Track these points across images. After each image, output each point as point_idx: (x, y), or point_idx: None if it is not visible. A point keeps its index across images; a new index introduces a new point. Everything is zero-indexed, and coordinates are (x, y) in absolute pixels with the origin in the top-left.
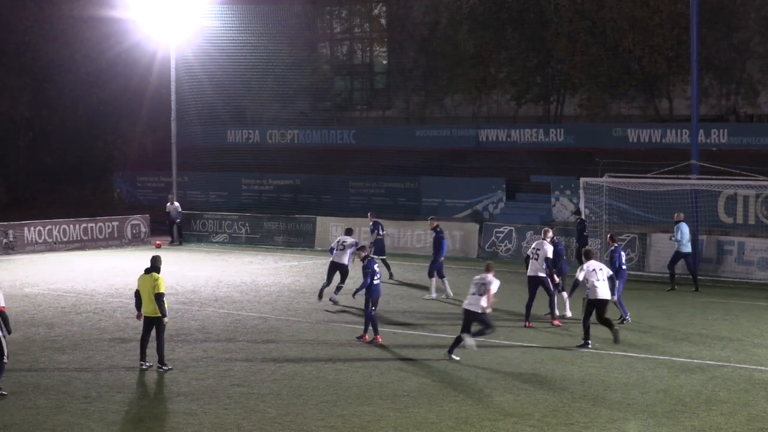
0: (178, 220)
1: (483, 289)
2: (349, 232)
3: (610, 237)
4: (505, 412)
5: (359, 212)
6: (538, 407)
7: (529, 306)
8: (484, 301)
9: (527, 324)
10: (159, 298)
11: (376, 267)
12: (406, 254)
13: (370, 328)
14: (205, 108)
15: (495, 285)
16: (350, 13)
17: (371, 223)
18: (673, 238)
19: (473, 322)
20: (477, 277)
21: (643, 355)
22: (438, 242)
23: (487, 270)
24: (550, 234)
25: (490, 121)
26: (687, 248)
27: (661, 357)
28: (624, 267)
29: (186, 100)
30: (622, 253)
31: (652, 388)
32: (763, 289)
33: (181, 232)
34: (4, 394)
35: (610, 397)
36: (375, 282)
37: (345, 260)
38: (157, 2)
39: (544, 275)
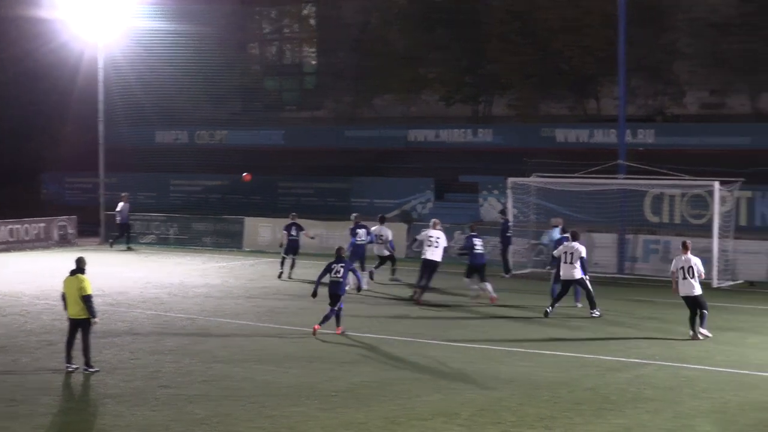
0: (128, 222)
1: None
2: (382, 220)
3: (572, 233)
4: (433, 412)
5: (288, 213)
6: (466, 406)
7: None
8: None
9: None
10: (87, 299)
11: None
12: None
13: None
14: (133, 108)
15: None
16: (280, 13)
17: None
18: (540, 243)
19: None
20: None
21: (571, 354)
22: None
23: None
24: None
25: (420, 122)
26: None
27: (588, 356)
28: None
29: (114, 100)
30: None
31: (579, 387)
32: None
33: (127, 235)
34: None
35: (538, 396)
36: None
37: (438, 257)
38: (85, 2)
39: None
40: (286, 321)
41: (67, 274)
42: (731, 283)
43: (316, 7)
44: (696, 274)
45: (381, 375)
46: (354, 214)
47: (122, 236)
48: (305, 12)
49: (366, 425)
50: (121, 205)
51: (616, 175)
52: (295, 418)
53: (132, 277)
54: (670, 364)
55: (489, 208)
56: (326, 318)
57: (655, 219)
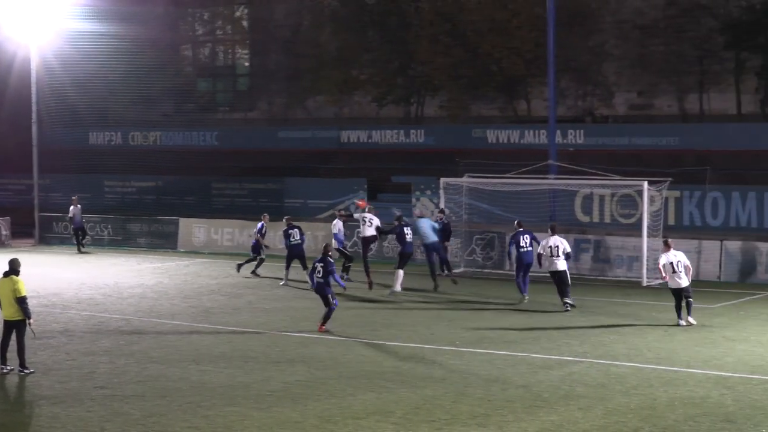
0: (82, 226)
1: None
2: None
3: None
4: (367, 411)
5: (223, 214)
6: (400, 405)
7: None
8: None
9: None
10: (22, 301)
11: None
12: (268, 254)
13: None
14: (67, 110)
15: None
16: (213, 15)
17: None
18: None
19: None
20: None
21: (503, 352)
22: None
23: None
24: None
25: (352, 123)
26: (430, 239)
27: (520, 354)
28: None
29: (48, 101)
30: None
31: (511, 384)
32: (619, 286)
33: (81, 240)
34: None
35: (471, 393)
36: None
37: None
38: (17, 3)
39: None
40: (221, 321)
41: (1, 275)
42: (660, 281)
43: (249, 9)
44: (683, 268)
45: (315, 374)
46: (285, 217)
47: (79, 240)
48: (238, 14)
49: (301, 424)
50: (71, 209)
51: (546, 176)
52: (230, 418)
53: (67, 278)
54: (600, 361)
55: (422, 207)
56: (326, 316)
57: (585, 218)
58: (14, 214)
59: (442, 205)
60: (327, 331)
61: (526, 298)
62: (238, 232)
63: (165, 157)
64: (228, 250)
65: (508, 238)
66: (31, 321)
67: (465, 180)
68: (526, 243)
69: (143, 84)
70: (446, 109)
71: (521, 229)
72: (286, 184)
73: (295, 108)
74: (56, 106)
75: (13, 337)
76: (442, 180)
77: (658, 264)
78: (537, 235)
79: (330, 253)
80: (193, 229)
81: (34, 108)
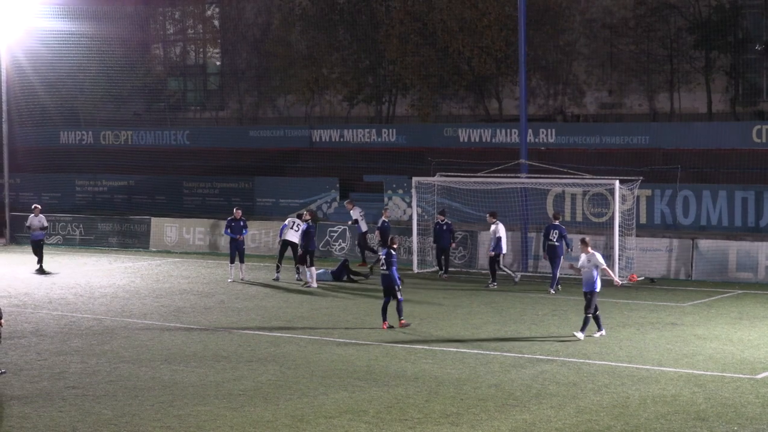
0: (43, 239)
1: None
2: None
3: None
4: (340, 410)
5: (194, 213)
6: (372, 404)
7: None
8: None
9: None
10: None
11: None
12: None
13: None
14: (37, 109)
15: None
16: (183, 14)
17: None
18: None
19: None
20: None
21: (475, 351)
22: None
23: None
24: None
25: (323, 122)
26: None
27: (492, 352)
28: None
29: (18, 100)
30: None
31: (484, 383)
32: None
33: (39, 256)
34: None
35: (443, 392)
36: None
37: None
38: None
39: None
40: (192, 321)
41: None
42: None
43: (219, 8)
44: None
45: (287, 373)
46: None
47: (40, 256)
48: (208, 13)
49: (273, 423)
50: (30, 217)
51: (518, 174)
52: (202, 417)
53: (37, 278)
54: (572, 360)
55: (393, 207)
56: (398, 311)
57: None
58: None
59: (414, 204)
60: (408, 325)
61: (551, 291)
62: (209, 232)
63: (136, 156)
64: (200, 249)
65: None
66: (2, 321)
67: (437, 179)
68: (554, 237)
69: (114, 83)
70: (417, 108)
71: (552, 223)
72: (258, 183)
73: (266, 107)
74: (26, 105)
75: None
76: (414, 179)
77: (576, 264)
78: (512, 234)
79: (395, 245)
80: (165, 228)
81: (3, 107)
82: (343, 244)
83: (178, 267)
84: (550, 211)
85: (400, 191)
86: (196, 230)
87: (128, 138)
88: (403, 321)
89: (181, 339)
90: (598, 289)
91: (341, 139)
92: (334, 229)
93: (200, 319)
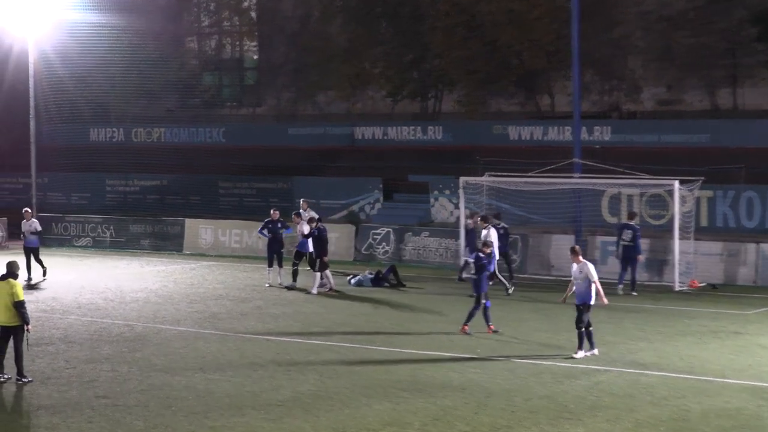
0: (38, 247)
1: None
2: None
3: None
4: (383, 421)
5: (230, 214)
6: (417, 415)
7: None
8: None
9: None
10: (20, 306)
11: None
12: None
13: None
14: (66, 105)
15: None
16: (218, 5)
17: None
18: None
19: None
20: None
21: (526, 361)
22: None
23: None
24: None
25: (366, 119)
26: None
27: (543, 362)
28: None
29: (46, 97)
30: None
31: (535, 394)
32: (648, 290)
33: (41, 263)
34: None
35: (492, 404)
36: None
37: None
38: None
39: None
40: (227, 327)
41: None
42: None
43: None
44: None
45: (327, 383)
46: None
47: (29, 265)
48: (245, 4)
49: None
50: (23, 223)
51: (571, 174)
52: (238, 429)
53: (66, 281)
54: (628, 370)
55: (440, 208)
56: (485, 317)
57: (613, 220)
58: (11, 214)
59: (461, 206)
60: (496, 332)
61: (619, 290)
62: (246, 234)
63: (169, 154)
64: (236, 252)
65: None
66: (29, 327)
67: (485, 179)
68: (627, 237)
69: (146, 78)
70: (464, 104)
71: (626, 222)
72: (296, 183)
73: (305, 103)
74: (55, 102)
75: (11, 343)
76: (462, 179)
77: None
78: (565, 237)
79: (487, 250)
80: (200, 230)
81: (31, 103)
82: (387, 248)
83: (213, 271)
84: (606, 214)
85: (447, 192)
86: (232, 232)
87: (161, 135)
88: (492, 327)
89: (216, 346)
90: (591, 302)
91: (384, 137)
92: (378, 231)
93: (236, 325)
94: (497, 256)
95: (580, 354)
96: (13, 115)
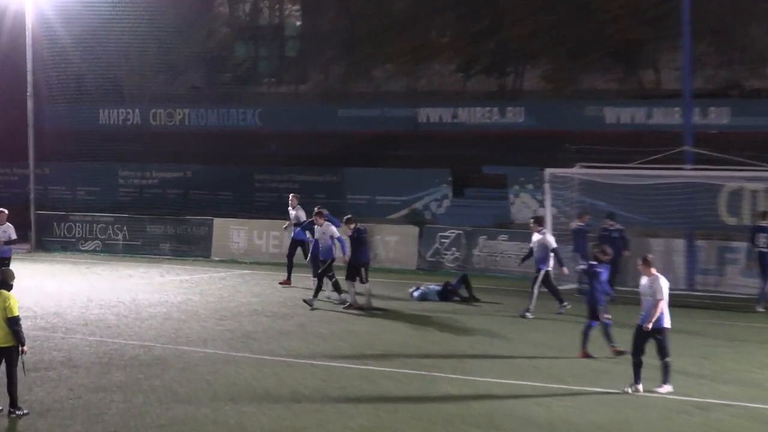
0: (9, 256)
1: None
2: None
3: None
4: None
5: (267, 213)
6: None
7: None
8: None
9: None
10: (13, 323)
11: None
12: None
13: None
14: (71, 81)
15: None
16: None
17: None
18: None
19: None
20: None
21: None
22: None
23: None
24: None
25: (431, 99)
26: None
27: (649, 394)
28: None
29: (46, 70)
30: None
31: None
32: None
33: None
34: None
35: None
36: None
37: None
38: None
39: None
40: (264, 349)
41: None
42: None
43: None
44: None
45: (383, 417)
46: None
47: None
48: None
49: None
50: None
51: (681, 165)
52: None
53: (70, 293)
54: (754, 405)
55: (521, 206)
56: (606, 336)
57: (732, 221)
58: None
59: (547, 204)
60: (622, 353)
61: (760, 308)
62: (287, 236)
63: (194, 140)
64: (274, 258)
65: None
66: (25, 348)
67: (576, 171)
68: (763, 242)
69: (167, 49)
70: (550, 81)
71: (760, 224)
72: (348, 175)
73: (358, 80)
74: (57, 76)
75: (2, 368)
76: (547, 171)
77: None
78: (674, 242)
79: (605, 256)
80: (231, 232)
81: (29, 78)
82: (456, 254)
83: (246, 281)
84: (724, 214)
85: (529, 186)
86: (269, 234)
87: (185, 118)
88: (615, 347)
89: (251, 372)
90: (667, 325)
91: (454, 120)
92: (446, 234)
93: (274, 347)
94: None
95: (666, 388)
96: (7, 92)
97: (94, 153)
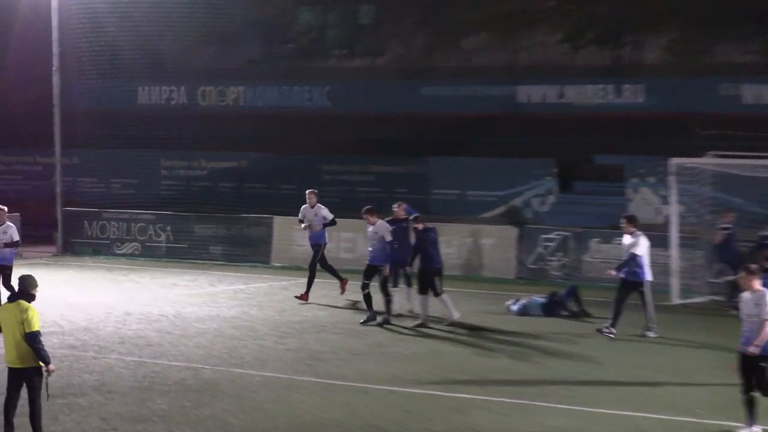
0: (11, 264)
1: None
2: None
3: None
4: None
5: (337, 209)
6: None
7: None
8: None
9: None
10: (33, 339)
11: None
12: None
13: None
14: (105, 54)
15: None
16: None
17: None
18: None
19: None
20: None
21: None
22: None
23: None
24: None
25: (533, 75)
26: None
27: None
28: None
29: (75, 41)
30: None
31: None
32: None
33: (11, 289)
34: None
35: None
36: None
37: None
38: None
39: None
40: (334, 373)
41: (5, 300)
42: None
43: None
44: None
45: None
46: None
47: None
48: None
49: None
50: None
51: None
52: None
53: (104, 305)
54: None
55: (641, 203)
56: None
57: None
58: (26, 208)
59: (672, 200)
60: None
61: None
62: (361, 238)
63: (250, 124)
64: (346, 264)
65: None
66: (51, 368)
67: (708, 161)
68: None
69: (217, 17)
70: (676, 53)
71: None
72: (434, 166)
73: (446, 52)
74: (89, 49)
75: (24, 393)
76: (673, 161)
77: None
78: None
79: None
80: (294, 232)
81: (54, 50)
82: (564, 260)
83: (313, 291)
84: None
85: (651, 179)
86: (340, 236)
87: (239, 97)
88: None
89: (318, 401)
90: None
91: (560, 101)
92: (550, 236)
93: (346, 371)
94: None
95: (757, 429)
96: (29, 67)
97: (131, 138)
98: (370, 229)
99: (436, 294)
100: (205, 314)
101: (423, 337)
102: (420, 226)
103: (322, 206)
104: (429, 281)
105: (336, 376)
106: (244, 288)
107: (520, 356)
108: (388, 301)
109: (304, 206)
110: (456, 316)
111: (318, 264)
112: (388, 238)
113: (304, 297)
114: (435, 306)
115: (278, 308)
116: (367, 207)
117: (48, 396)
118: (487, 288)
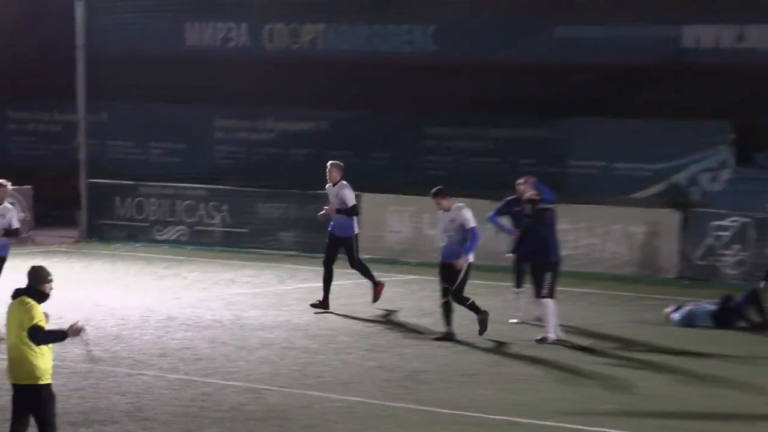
0: (5, 254)
1: None
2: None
3: None
4: None
5: (448, 184)
6: None
7: None
8: None
9: None
10: (34, 336)
11: None
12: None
13: None
14: None
15: None
16: None
17: None
18: None
19: None
20: None
21: None
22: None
23: None
24: None
25: (704, 11)
26: None
27: None
28: None
29: None
30: None
31: None
32: None
33: None
34: None
35: None
36: None
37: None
38: None
39: None
40: (439, 399)
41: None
42: None
43: None
44: None
45: None
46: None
47: None
48: None
49: None
50: None
51: None
52: None
53: (140, 307)
54: None
55: None
56: None
57: None
58: (40, 180)
59: None
60: None
61: None
62: (480, 224)
63: (331, 74)
64: None
65: None
66: (77, 326)
67: None
68: None
69: None
70: None
71: None
72: (571, 130)
73: None
74: None
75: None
76: None
77: None
78: None
79: None
80: (388, 215)
81: None
82: (741, 254)
83: (412, 291)
84: None
85: None
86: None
87: (317, 38)
88: None
89: (415, 425)
90: None
91: (739, 45)
92: (724, 223)
93: (454, 394)
94: None
95: None
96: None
97: (177, 91)
98: (447, 216)
99: (540, 295)
100: (271, 320)
101: (552, 354)
102: (534, 205)
103: (346, 184)
104: (538, 278)
105: (441, 403)
106: (321, 286)
107: (683, 381)
108: (471, 306)
109: (327, 185)
110: (552, 336)
111: (348, 262)
112: (471, 224)
113: (377, 293)
114: (569, 312)
115: (366, 313)
116: (437, 188)
117: (93, 360)
118: (641, 291)
